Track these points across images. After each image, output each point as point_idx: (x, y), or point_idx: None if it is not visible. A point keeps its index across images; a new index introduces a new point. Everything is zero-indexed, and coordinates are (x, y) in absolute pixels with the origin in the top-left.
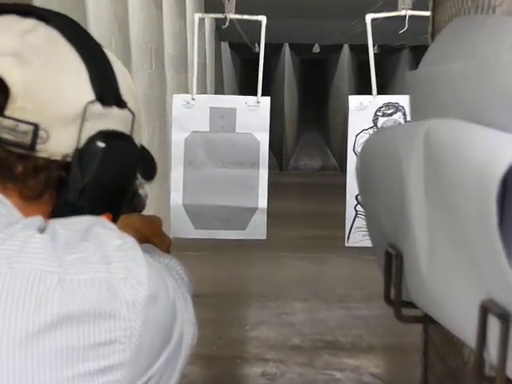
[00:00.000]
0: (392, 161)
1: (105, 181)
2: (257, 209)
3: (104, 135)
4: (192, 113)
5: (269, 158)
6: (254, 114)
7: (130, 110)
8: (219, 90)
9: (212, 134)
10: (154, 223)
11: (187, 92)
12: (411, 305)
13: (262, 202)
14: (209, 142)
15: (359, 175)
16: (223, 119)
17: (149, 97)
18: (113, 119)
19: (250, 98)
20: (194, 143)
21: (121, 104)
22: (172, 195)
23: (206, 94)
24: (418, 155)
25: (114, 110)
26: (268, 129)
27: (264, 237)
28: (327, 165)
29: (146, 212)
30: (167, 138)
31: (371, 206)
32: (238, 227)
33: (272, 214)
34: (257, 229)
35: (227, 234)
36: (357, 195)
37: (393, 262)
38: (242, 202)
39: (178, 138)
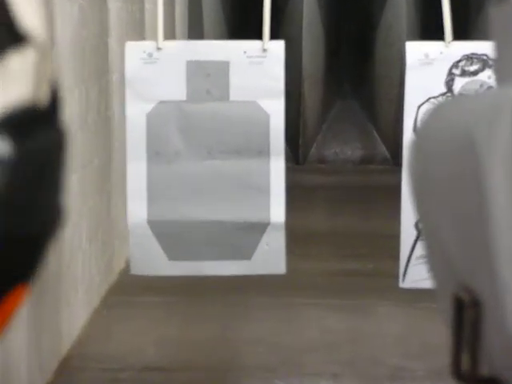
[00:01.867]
0: (464, 151)
1: (17, 229)
2: (268, 224)
3: (5, 128)
4: (158, 71)
5: None
6: (258, 70)
7: (37, 42)
8: (196, 32)
9: (191, 104)
10: None
11: (143, 35)
12: (495, 382)
13: (277, 212)
14: (186, 117)
15: (413, 172)
16: (209, 80)
17: (80, 43)
18: (11, 78)
19: (252, 45)
20: (162, 121)
21: (21, 40)
22: (130, 207)
23: (174, 39)
24: (505, 142)
25: (12, 60)
26: (283, 93)
27: (282, 270)
28: (372, 155)
29: (84, 239)
30: (110, 109)
31: (432, 222)
32: (239, 255)
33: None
34: (270, 257)
35: (222, 268)
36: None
37: (465, 313)
38: (243, 215)
39: (135, 114)
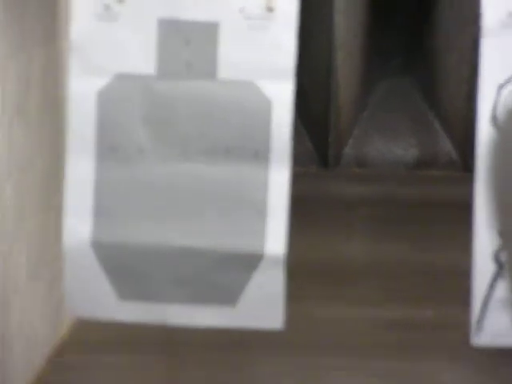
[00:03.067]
0: None
1: None
2: (262, 258)
3: None
4: (117, 32)
5: (297, 141)
6: (260, 38)
7: None
8: None
9: (163, 81)
10: None
11: None
12: None
13: (275, 241)
14: (155, 100)
15: (496, 178)
16: (189, 48)
17: None
18: None
19: (252, 1)
20: (119, 103)
21: None
22: (67, 222)
23: None
24: None
25: None
26: (292, 72)
27: (278, 323)
28: (433, 156)
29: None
30: (61, 89)
31: None
32: (218, 299)
33: (303, 269)
34: (262, 304)
35: (193, 316)
36: (501, 229)
37: None
38: (228, 242)
39: (81, 92)
